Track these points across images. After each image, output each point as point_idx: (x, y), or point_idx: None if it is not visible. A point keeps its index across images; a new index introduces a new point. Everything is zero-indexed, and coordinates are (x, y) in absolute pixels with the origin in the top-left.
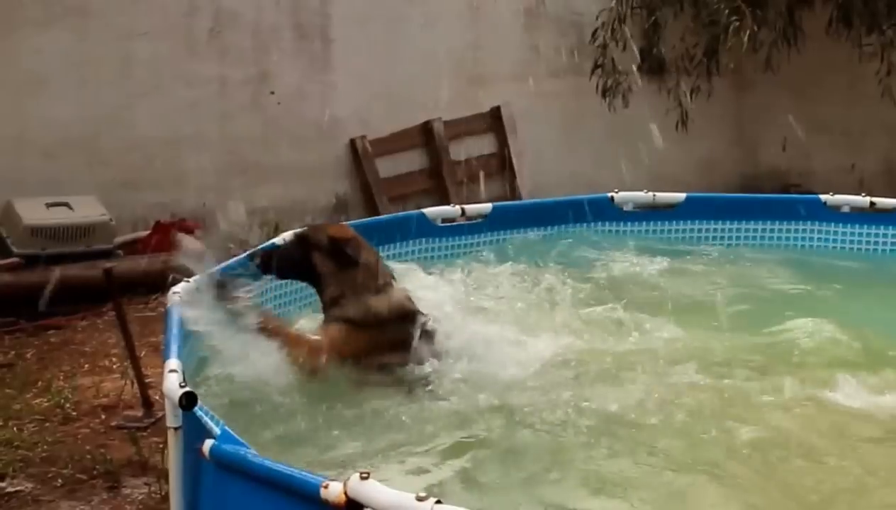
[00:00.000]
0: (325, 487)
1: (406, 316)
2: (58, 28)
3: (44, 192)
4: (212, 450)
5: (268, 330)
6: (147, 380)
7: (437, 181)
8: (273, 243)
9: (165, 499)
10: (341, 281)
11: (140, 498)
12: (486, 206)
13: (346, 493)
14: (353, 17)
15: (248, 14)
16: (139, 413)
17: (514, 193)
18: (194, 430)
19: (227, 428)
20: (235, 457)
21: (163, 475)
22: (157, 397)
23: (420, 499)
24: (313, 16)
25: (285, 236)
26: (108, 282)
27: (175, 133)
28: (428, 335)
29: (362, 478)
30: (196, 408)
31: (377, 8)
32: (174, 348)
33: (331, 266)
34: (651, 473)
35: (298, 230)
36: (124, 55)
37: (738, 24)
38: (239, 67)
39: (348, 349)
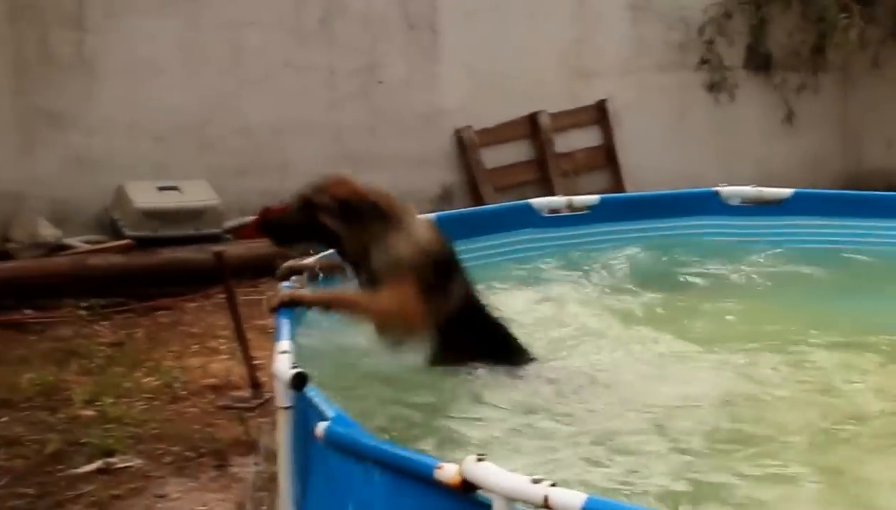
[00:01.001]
0: (440, 468)
1: (438, 253)
2: (171, 15)
3: (154, 177)
4: (326, 431)
5: (333, 302)
6: (254, 362)
7: (542, 172)
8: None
9: (272, 479)
10: (360, 234)
11: (247, 476)
12: (594, 198)
13: (461, 475)
14: (461, 8)
15: (358, 4)
16: (246, 393)
17: (617, 186)
18: (303, 411)
19: (339, 409)
20: (349, 439)
21: (270, 455)
22: (264, 379)
23: (535, 481)
24: (422, 6)
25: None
26: (220, 265)
27: (283, 120)
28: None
29: (478, 460)
30: (307, 389)
31: (484, 0)
32: (286, 330)
33: (344, 224)
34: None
35: (299, 193)
36: (235, 43)
37: (846, 21)
38: (347, 57)
39: (414, 297)
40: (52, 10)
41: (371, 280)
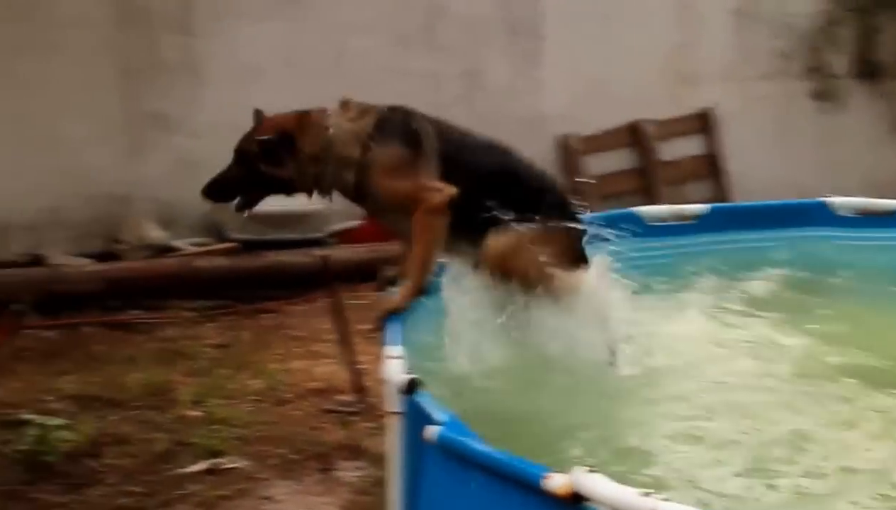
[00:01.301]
0: (547, 478)
1: (383, 126)
2: (274, 19)
3: None
4: (438, 436)
5: (404, 299)
6: (358, 367)
7: (645, 181)
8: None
9: (377, 483)
10: (307, 168)
11: (352, 480)
12: (704, 207)
13: (570, 486)
14: (565, 13)
15: (461, 9)
16: (350, 398)
17: (721, 196)
18: (415, 416)
19: (453, 414)
20: (460, 444)
21: (375, 460)
22: (368, 383)
23: (645, 494)
24: (525, 12)
25: None
26: (325, 270)
27: None
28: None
29: (588, 472)
30: (418, 394)
31: (588, 5)
32: (396, 335)
33: (285, 163)
34: None
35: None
36: (338, 48)
37: None
38: (450, 62)
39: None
40: (159, 15)
41: (374, 203)
